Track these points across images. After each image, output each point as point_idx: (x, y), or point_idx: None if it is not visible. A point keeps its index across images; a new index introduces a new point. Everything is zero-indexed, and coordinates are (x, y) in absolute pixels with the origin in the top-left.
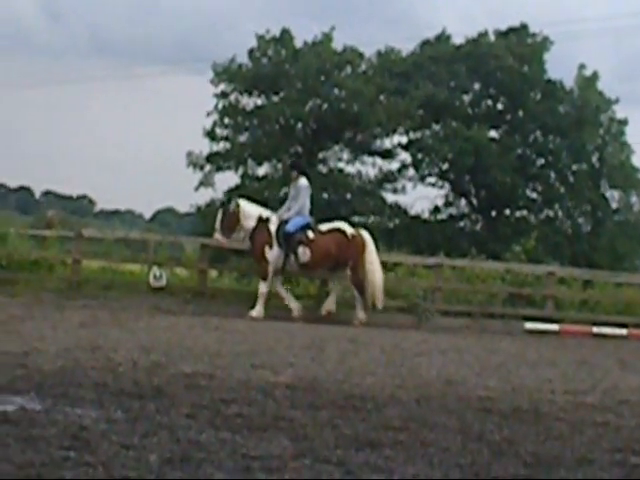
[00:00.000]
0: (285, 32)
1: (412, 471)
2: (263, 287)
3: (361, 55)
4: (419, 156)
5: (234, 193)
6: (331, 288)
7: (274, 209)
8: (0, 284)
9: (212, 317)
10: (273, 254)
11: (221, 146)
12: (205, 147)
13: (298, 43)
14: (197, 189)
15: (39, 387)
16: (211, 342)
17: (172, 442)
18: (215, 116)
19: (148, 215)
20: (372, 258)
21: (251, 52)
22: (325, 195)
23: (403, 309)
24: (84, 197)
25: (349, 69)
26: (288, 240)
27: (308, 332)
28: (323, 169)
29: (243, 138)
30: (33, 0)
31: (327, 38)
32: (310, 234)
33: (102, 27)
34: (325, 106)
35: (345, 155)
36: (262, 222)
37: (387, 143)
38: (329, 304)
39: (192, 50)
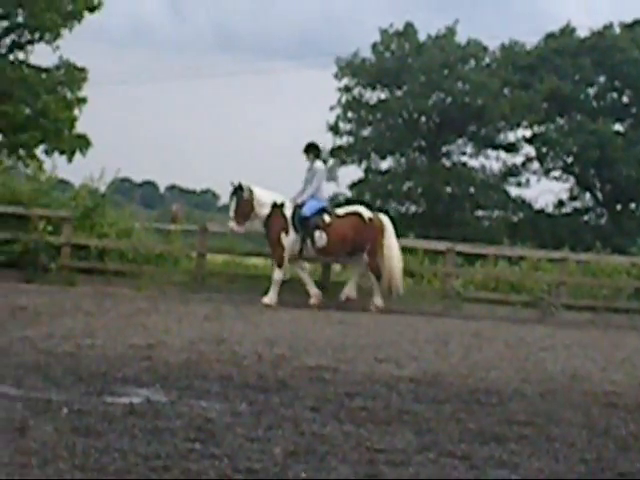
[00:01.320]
0: (409, 26)
1: (537, 466)
2: (278, 274)
3: (485, 48)
4: (543, 149)
5: (358, 187)
6: (351, 273)
7: (401, 204)
8: (126, 277)
9: (335, 311)
10: (289, 240)
11: (344, 140)
12: (329, 141)
13: (421, 37)
14: None
15: (164, 379)
16: (335, 335)
17: (296, 435)
18: (338, 110)
19: None
20: (390, 243)
21: (374, 46)
22: (448, 189)
23: (527, 303)
24: (208, 191)
25: (473, 62)
26: (304, 224)
27: (432, 326)
28: (446, 163)
29: (366, 132)
30: None
31: (450, 32)
32: (327, 218)
33: (226, 22)
34: (449, 100)
35: (468, 149)
36: (276, 208)
37: (511, 136)
38: (349, 290)
39: (315, 44)
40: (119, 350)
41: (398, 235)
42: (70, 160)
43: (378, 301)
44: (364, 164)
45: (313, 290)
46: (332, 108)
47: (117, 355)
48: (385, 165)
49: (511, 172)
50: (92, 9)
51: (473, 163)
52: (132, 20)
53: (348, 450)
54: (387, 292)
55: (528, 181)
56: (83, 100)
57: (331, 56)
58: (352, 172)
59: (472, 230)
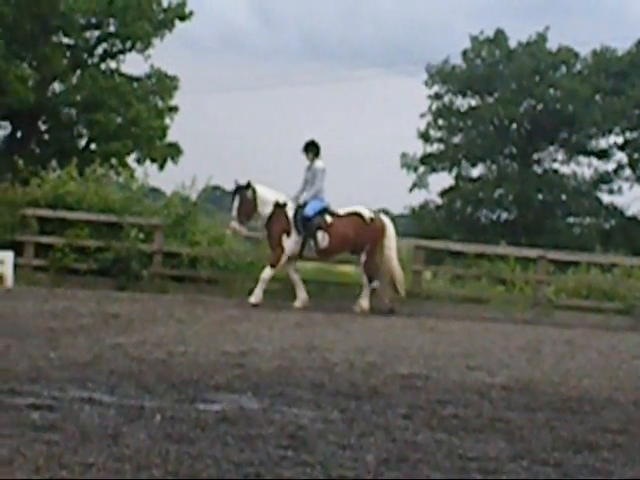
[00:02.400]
0: (499, 33)
1: (631, 474)
2: (268, 273)
3: (576, 55)
4: (635, 156)
5: (448, 194)
6: (363, 283)
7: (492, 211)
8: (217, 285)
9: (427, 318)
10: (290, 242)
11: (435, 147)
12: (419, 148)
13: (512, 43)
14: (411, 190)
15: (256, 387)
16: (426, 343)
17: (388, 442)
18: (429, 117)
19: None
20: (391, 244)
21: (465, 53)
22: (540, 196)
23: (620, 311)
24: None
25: (564, 69)
26: (307, 225)
27: (523, 334)
28: (538, 170)
29: (457, 139)
30: (245, 2)
31: (541, 38)
32: (328, 218)
33: (313, 30)
34: (540, 106)
35: (560, 156)
36: (279, 208)
37: (603, 143)
38: (364, 302)
39: (404, 52)
40: (211, 357)
41: (398, 235)
42: (161, 168)
43: (364, 303)
44: (455, 171)
45: (302, 294)
46: (422, 115)
47: (209, 362)
48: (476, 172)
49: (603, 179)
50: (183, 18)
51: (564, 170)
52: (221, 28)
53: (440, 458)
54: (391, 293)
55: (620, 188)
56: (174, 108)
57: (420, 63)
58: (443, 179)
59: (563, 237)
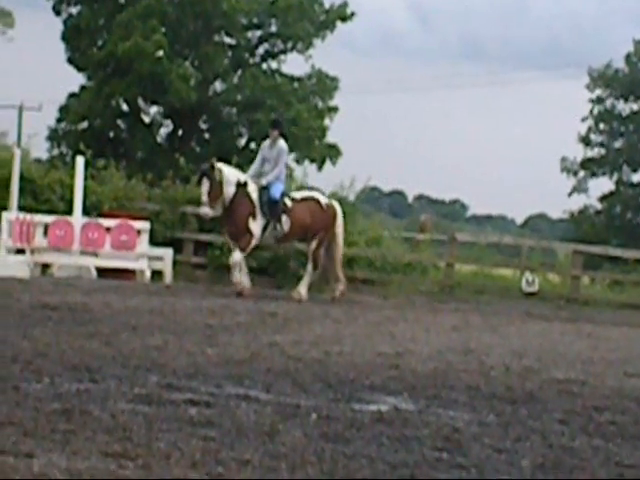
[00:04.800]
0: None
1: None
2: (238, 255)
3: None
4: None
5: (609, 200)
6: (307, 270)
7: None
8: (374, 285)
9: (584, 324)
10: (257, 226)
11: (595, 152)
12: (579, 153)
13: None
14: (570, 195)
15: (412, 388)
16: (583, 349)
17: (544, 447)
18: (590, 122)
19: (520, 220)
20: (341, 231)
21: (628, 57)
22: None
23: None
24: (456, 201)
25: None
26: (273, 208)
27: None
28: None
29: (618, 144)
30: (405, 3)
31: None
32: (288, 202)
33: (473, 31)
34: None
35: None
36: (241, 188)
37: None
38: (303, 289)
39: (563, 54)
40: (367, 358)
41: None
42: (320, 169)
43: (303, 290)
44: (615, 176)
45: (246, 279)
46: (583, 119)
47: (365, 362)
48: (637, 178)
49: None
50: (344, 19)
51: None
52: (380, 29)
53: (596, 465)
54: (334, 282)
55: None
56: (334, 109)
57: (579, 66)
58: (603, 184)
59: None
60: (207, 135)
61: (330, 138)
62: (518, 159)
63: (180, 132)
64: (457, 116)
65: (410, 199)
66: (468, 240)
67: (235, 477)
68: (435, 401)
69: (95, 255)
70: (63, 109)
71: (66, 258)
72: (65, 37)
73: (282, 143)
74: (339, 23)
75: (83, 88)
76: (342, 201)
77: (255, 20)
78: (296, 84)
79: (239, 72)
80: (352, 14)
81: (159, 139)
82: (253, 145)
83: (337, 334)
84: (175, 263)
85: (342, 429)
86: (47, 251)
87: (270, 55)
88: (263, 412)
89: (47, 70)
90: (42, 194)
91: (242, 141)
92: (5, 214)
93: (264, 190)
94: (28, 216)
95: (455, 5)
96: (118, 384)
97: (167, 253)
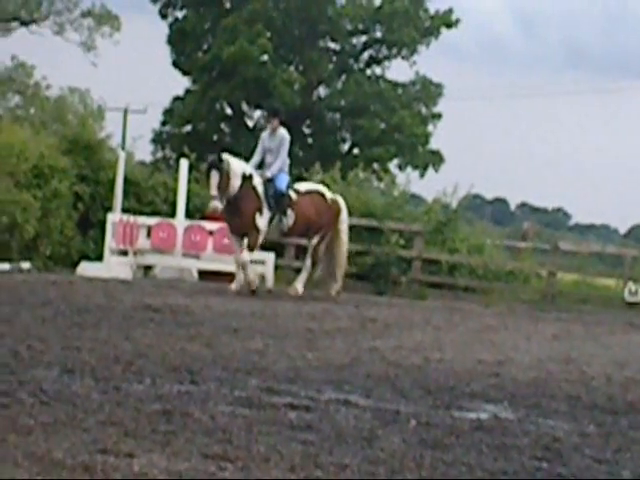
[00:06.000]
0: None
1: None
2: (247, 256)
3: None
4: None
5: None
6: (305, 266)
7: None
8: (475, 293)
9: None
10: (264, 221)
11: None
12: None
13: None
14: None
15: (512, 396)
16: None
17: None
18: None
19: (623, 230)
20: (345, 228)
21: None
22: None
23: None
24: (559, 210)
25: None
26: (280, 201)
27: None
28: None
29: None
30: (509, 11)
31: None
32: (293, 195)
33: (576, 39)
34: None
35: None
36: (246, 181)
37: None
38: (299, 286)
39: None
40: (467, 365)
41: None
42: (422, 175)
43: (300, 286)
44: None
45: (240, 277)
46: None
47: (465, 370)
48: None
49: None
50: (449, 25)
51: None
52: (483, 36)
53: None
54: (331, 279)
55: None
56: (438, 116)
57: None
58: None
59: None
60: (310, 140)
61: (433, 145)
62: (621, 168)
63: None
64: (560, 124)
65: (512, 207)
66: (571, 249)
67: None
68: (535, 410)
69: (197, 257)
70: (168, 112)
71: (168, 260)
72: (171, 41)
73: (283, 132)
74: (444, 29)
75: (188, 91)
76: (445, 208)
77: (360, 26)
78: (400, 90)
79: (343, 77)
80: (457, 20)
81: None
82: (356, 150)
83: (437, 341)
84: (277, 267)
85: (441, 436)
86: (150, 253)
87: (374, 61)
88: (362, 417)
89: (152, 73)
90: (146, 196)
91: (345, 146)
92: (109, 216)
93: (269, 183)
94: (132, 218)
95: (559, 13)
96: (218, 386)
97: (269, 257)
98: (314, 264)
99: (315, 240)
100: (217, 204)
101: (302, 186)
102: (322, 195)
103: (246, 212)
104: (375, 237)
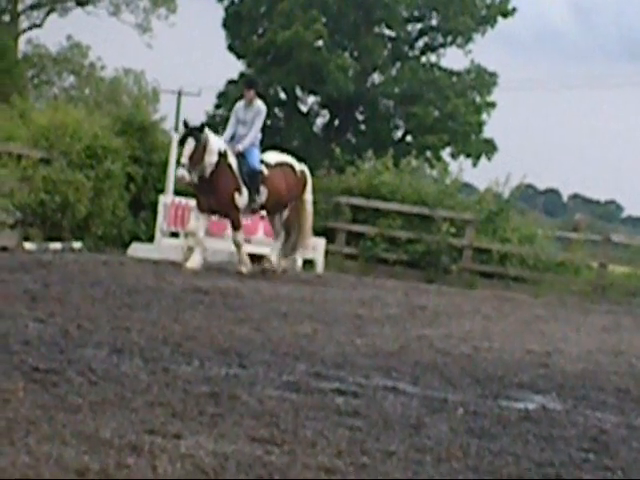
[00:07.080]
0: None
1: None
2: (241, 236)
3: None
4: None
5: None
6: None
7: None
8: (525, 283)
9: None
10: (244, 200)
11: None
12: None
13: None
14: None
15: (560, 388)
16: None
17: None
18: None
19: None
20: (310, 198)
21: None
22: None
23: None
24: (612, 202)
25: None
26: (254, 179)
27: None
28: None
29: None
30: (565, 1)
31: None
32: (264, 170)
33: (633, 30)
34: None
35: None
36: (222, 158)
37: None
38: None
39: None
40: (516, 355)
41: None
42: (475, 164)
43: (274, 259)
44: None
45: (197, 257)
46: None
47: (514, 360)
48: None
49: None
50: (505, 14)
51: None
52: (539, 26)
53: None
54: (293, 251)
55: None
56: (492, 105)
57: None
58: None
59: None
60: (363, 126)
61: (486, 133)
62: None
63: (336, 122)
64: (614, 116)
65: (565, 198)
66: (622, 241)
67: (380, 468)
68: (583, 402)
69: (248, 241)
70: (222, 95)
71: (219, 243)
72: (226, 24)
73: (260, 104)
74: (500, 18)
75: (242, 75)
76: (497, 197)
77: (416, 13)
78: (454, 78)
79: (398, 65)
80: (513, 9)
81: (315, 129)
82: (409, 138)
83: (487, 330)
84: (327, 253)
85: (489, 425)
86: None
87: (429, 48)
88: (410, 405)
89: (207, 56)
90: None
91: (398, 133)
92: (161, 197)
93: (242, 159)
94: (183, 200)
95: (616, 4)
96: (266, 370)
97: (319, 243)
98: (288, 235)
99: (286, 213)
100: (184, 173)
101: (271, 158)
102: (291, 167)
103: (225, 192)
104: (426, 225)
